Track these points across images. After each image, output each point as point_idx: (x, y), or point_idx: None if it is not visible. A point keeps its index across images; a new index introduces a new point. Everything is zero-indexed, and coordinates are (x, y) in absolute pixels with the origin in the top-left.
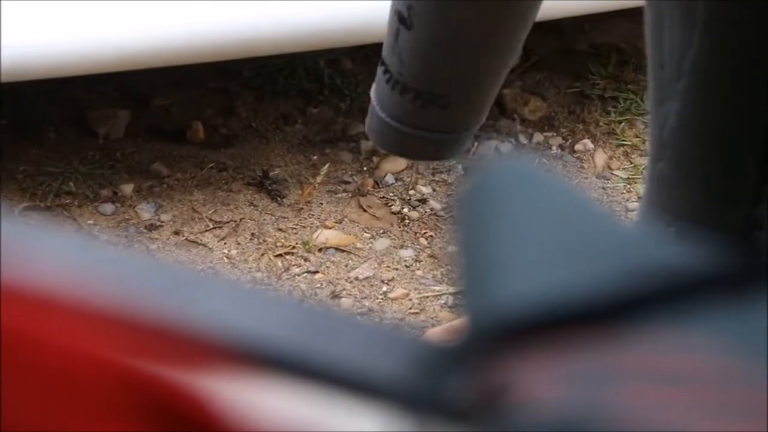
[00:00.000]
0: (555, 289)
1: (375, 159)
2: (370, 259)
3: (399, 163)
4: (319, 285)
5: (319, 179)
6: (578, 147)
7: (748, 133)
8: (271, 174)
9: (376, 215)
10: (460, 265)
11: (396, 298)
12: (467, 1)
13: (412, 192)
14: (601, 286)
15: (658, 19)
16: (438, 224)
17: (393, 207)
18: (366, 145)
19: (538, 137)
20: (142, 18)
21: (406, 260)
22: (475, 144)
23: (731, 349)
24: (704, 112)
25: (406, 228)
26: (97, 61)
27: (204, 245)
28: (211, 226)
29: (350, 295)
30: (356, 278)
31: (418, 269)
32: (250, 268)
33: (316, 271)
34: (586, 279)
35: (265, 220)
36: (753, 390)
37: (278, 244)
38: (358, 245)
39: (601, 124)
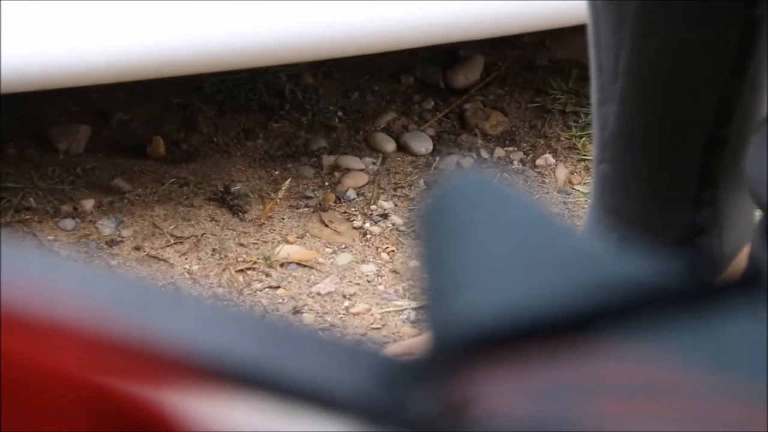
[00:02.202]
0: (518, 303)
1: (337, 174)
2: (331, 274)
3: (360, 179)
4: (280, 300)
5: (280, 194)
6: (539, 162)
7: (685, 136)
8: (232, 189)
9: (338, 230)
10: (422, 279)
11: (358, 313)
12: None
13: (373, 207)
14: (564, 300)
15: (595, 21)
16: (400, 239)
17: (355, 222)
18: (327, 160)
19: (500, 152)
20: (102, 33)
21: (367, 275)
22: (437, 159)
23: (694, 362)
24: (641, 114)
25: (367, 243)
26: (58, 76)
27: (165, 260)
28: (172, 242)
29: (312, 310)
30: (318, 293)
31: (380, 284)
32: (211, 283)
33: (278, 287)
34: (548, 292)
35: (226, 235)
36: (715, 401)
37: (240, 259)
38: (320, 260)
39: (562, 138)
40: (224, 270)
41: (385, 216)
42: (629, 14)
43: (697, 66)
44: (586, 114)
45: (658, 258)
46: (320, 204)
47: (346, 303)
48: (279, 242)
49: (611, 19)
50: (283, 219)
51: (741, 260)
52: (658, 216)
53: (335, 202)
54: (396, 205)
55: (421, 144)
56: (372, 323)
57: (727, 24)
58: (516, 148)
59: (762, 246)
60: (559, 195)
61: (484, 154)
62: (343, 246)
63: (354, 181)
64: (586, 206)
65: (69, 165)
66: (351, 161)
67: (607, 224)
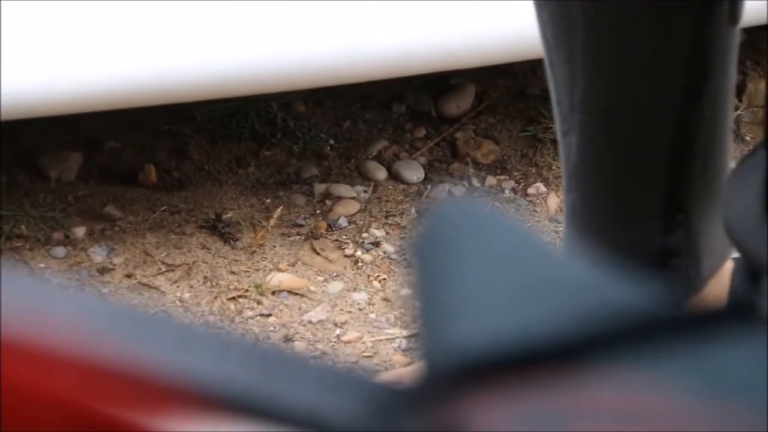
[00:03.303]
0: (510, 331)
1: (328, 202)
2: (323, 303)
3: (352, 207)
4: (272, 328)
5: (272, 222)
6: (531, 190)
7: (646, 163)
8: (224, 217)
9: (330, 258)
10: (415, 307)
11: (349, 342)
12: None
13: (365, 235)
14: (556, 328)
15: (549, 57)
16: (391, 267)
17: (346, 250)
18: (319, 188)
19: (491, 180)
20: (93, 60)
21: (359, 303)
22: (428, 187)
23: (687, 389)
24: (600, 145)
25: (359, 271)
26: (49, 104)
27: (156, 288)
28: (164, 269)
29: (303, 338)
30: (309, 321)
31: (372, 312)
32: (202, 311)
33: (269, 314)
34: (540, 320)
35: (218, 263)
36: (707, 428)
37: (231, 287)
38: (312, 288)
39: (553, 167)
40: (216, 298)
41: (376, 244)
42: (578, 49)
43: (650, 95)
44: None
45: (632, 281)
46: (312, 232)
47: (338, 331)
48: (270, 270)
49: (563, 55)
50: (275, 247)
51: (716, 283)
52: (627, 240)
53: (327, 230)
54: (387, 233)
55: (413, 172)
56: (363, 351)
57: (677, 50)
58: (507, 177)
59: (743, 287)
60: (551, 224)
61: (476, 182)
62: (335, 274)
63: (345, 209)
64: None
65: (60, 193)
66: (342, 189)
67: (579, 248)
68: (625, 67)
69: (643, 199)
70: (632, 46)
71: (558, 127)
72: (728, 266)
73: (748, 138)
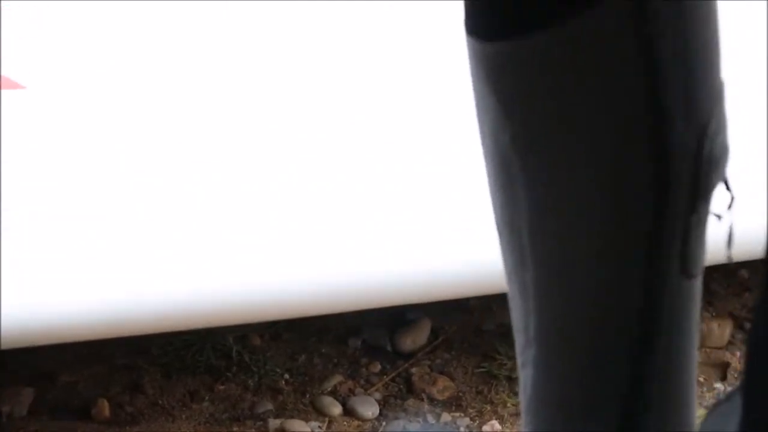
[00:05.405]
0: None
1: None
2: None
3: None
4: None
5: None
6: (486, 428)
7: (599, 407)
8: None
9: None
10: None
11: None
12: None
13: None
14: None
15: (510, 289)
16: None
17: None
18: (273, 423)
19: (446, 417)
20: (46, 293)
21: None
22: (383, 423)
23: None
24: (553, 382)
25: None
26: (1, 338)
27: None
28: None
29: None
30: None
31: None
32: None
33: None
34: None
35: None
36: None
37: None
38: None
39: (508, 405)
40: None
41: None
42: (529, 284)
43: (602, 342)
44: None
45: None
46: None
47: None
48: None
49: (516, 289)
50: None
51: None
52: None
53: None
54: None
55: (368, 408)
56: None
57: (627, 299)
58: (462, 414)
59: None
60: None
61: (431, 419)
62: None
63: None
64: None
65: (11, 428)
66: (297, 425)
67: None
68: (575, 311)
69: None
70: (580, 293)
71: (517, 357)
72: None
73: (701, 379)
